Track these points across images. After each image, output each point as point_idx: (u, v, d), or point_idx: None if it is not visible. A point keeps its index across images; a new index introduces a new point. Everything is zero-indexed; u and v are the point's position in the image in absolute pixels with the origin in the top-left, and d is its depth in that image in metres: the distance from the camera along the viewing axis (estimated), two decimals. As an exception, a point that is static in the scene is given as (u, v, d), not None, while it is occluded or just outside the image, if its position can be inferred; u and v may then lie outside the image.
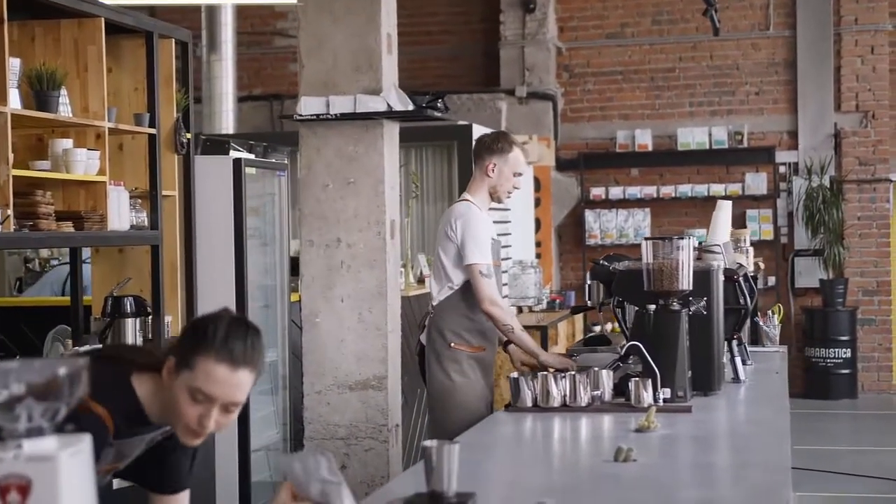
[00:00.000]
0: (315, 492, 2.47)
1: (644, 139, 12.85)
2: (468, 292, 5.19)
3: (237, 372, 2.56)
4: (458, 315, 5.21)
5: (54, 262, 8.41)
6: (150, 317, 5.54)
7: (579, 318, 11.18)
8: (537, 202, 12.33)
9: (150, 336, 5.57)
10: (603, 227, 12.91)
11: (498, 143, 5.33)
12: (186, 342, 2.60)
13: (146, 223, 5.53)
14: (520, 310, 10.30)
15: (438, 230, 5.38)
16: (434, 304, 5.31)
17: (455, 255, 5.18)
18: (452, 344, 5.20)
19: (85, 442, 1.79)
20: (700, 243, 5.36)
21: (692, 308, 4.46)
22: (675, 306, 4.39)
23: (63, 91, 4.91)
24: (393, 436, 5.78)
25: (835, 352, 12.20)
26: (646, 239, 4.46)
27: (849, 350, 12.22)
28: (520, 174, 5.33)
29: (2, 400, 1.72)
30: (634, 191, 12.83)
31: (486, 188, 5.31)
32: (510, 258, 10.31)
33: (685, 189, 12.72)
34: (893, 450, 9.92)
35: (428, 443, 2.75)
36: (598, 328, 12.17)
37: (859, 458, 9.42)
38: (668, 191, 12.74)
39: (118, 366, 2.67)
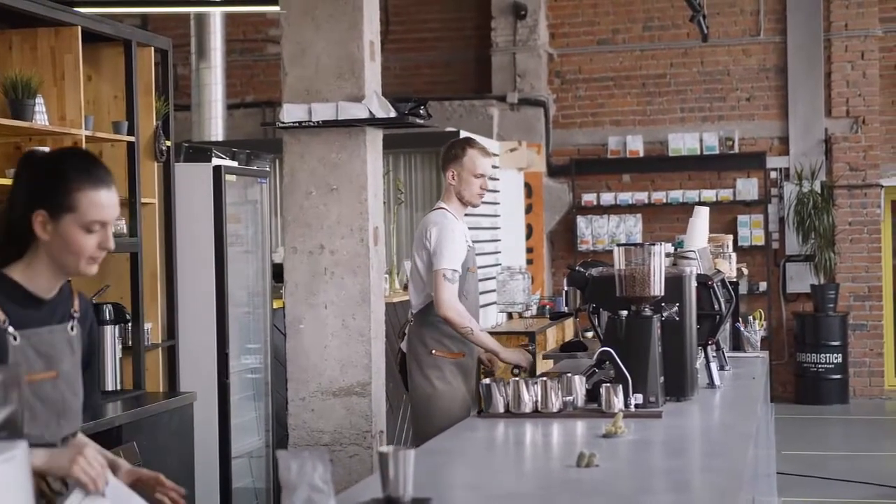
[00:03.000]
0: (301, 496, 2.49)
1: (635, 145, 12.87)
2: None
3: (111, 191, 2.73)
4: (438, 322, 5.27)
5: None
6: (129, 324, 5.55)
7: (570, 323, 11.19)
8: (529, 208, 12.35)
9: (129, 343, 5.58)
10: (595, 233, 12.93)
11: (452, 150, 5.46)
12: (51, 193, 2.67)
13: (125, 231, 5.55)
14: (509, 316, 10.32)
15: (415, 239, 5.45)
16: (413, 311, 5.39)
17: (430, 262, 5.27)
18: (434, 351, 5.29)
19: (19, 448, 1.81)
20: (676, 249, 5.38)
21: (664, 314, 4.47)
22: (647, 312, 4.40)
23: (39, 99, 4.93)
24: (377, 442, 5.79)
25: (826, 357, 12.20)
26: (618, 245, 4.48)
27: (840, 355, 12.23)
28: (481, 175, 5.40)
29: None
30: (626, 197, 12.85)
31: (454, 195, 5.41)
32: (500, 264, 10.32)
33: (676, 195, 12.73)
34: (884, 455, 9.93)
35: (383, 449, 2.77)
36: (590, 334, 12.17)
37: (850, 463, 9.42)
38: (659, 196, 12.77)
39: None
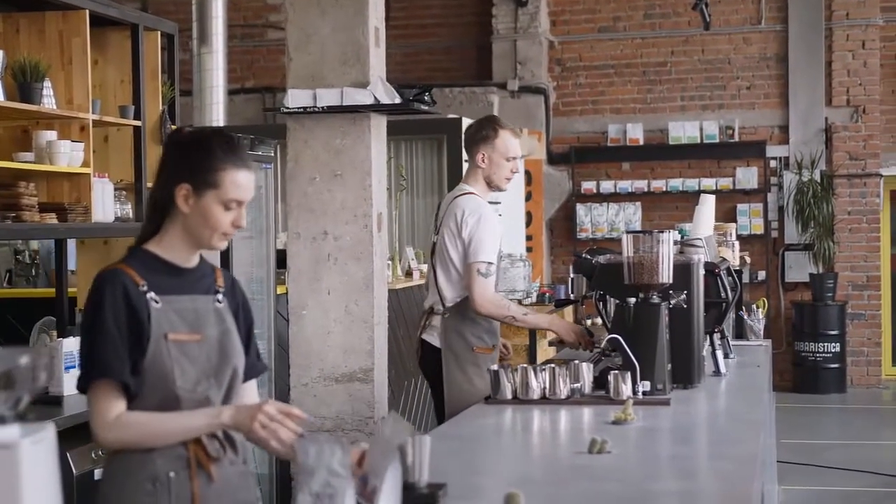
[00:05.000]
0: (320, 480, 2.51)
1: (635, 133, 12.87)
2: None
3: (251, 173, 2.88)
4: (477, 315, 5.08)
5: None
6: (134, 309, 5.53)
7: (569, 311, 11.21)
8: (528, 196, 12.35)
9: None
10: (594, 220, 12.93)
11: (482, 130, 5.20)
12: (196, 169, 2.82)
13: (131, 215, 5.54)
14: (509, 303, 10.31)
15: (441, 225, 5.20)
16: (447, 304, 5.14)
17: (465, 254, 5.04)
18: (475, 348, 5.08)
19: (48, 430, 1.81)
20: (682, 237, 5.38)
21: (672, 301, 4.47)
22: (655, 300, 4.41)
23: (47, 83, 4.92)
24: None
25: (824, 346, 12.23)
26: (627, 232, 4.47)
27: (838, 344, 12.25)
28: (513, 158, 5.17)
29: (-37, 389, 1.75)
30: (625, 185, 12.85)
31: (482, 178, 5.20)
32: (500, 251, 10.32)
33: (676, 183, 12.74)
34: (881, 444, 9.96)
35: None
36: (588, 321, 12.18)
37: (848, 452, 9.45)
38: (659, 185, 12.77)
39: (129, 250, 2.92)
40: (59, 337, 5.26)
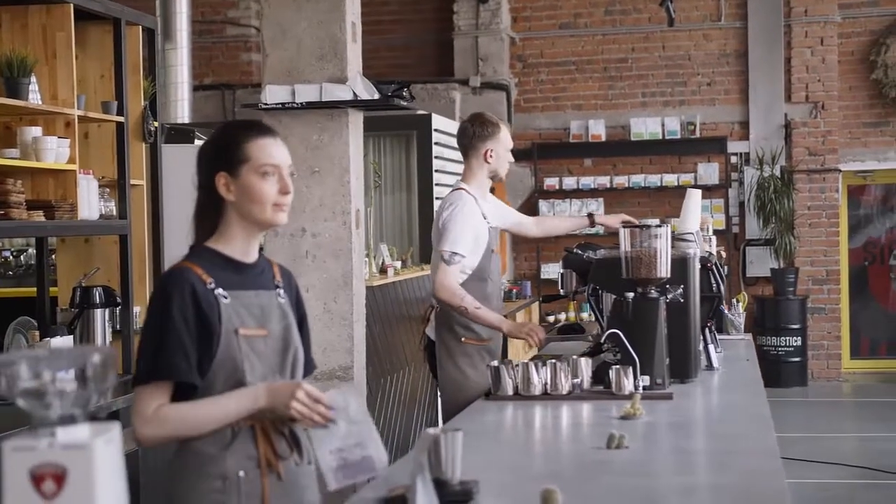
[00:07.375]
0: (340, 433, 2.54)
1: (597, 129, 12.90)
2: (473, 284, 5.10)
3: (276, 138, 2.90)
4: None
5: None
6: (118, 307, 5.47)
7: (535, 307, 11.23)
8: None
9: (118, 327, 5.50)
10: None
11: (486, 128, 5.24)
12: (225, 154, 2.84)
13: (114, 212, 5.46)
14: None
15: (434, 222, 5.26)
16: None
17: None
18: (464, 339, 5.13)
19: (115, 429, 1.77)
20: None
21: (669, 296, 4.48)
22: (653, 294, 4.41)
23: (33, 78, 4.83)
24: (360, 426, 5.76)
25: (786, 340, 12.33)
26: (624, 226, 4.47)
27: (799, 338, 12.36)
28: (510, 148, 5.32)
29: (34, 388, 1.70)
30: (588, 181, 12.88)
31: (485, 174, 5.26)
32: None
33: (638, 179, 12.78)
34: (845, 436, 10.06)
35: (432, 430, 2.74)
36: (551, 318, 12.20)
37: (811, 444, 9.53)
38: (621, 181, 12.81)
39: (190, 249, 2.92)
40: (41, 338, 5.17)
